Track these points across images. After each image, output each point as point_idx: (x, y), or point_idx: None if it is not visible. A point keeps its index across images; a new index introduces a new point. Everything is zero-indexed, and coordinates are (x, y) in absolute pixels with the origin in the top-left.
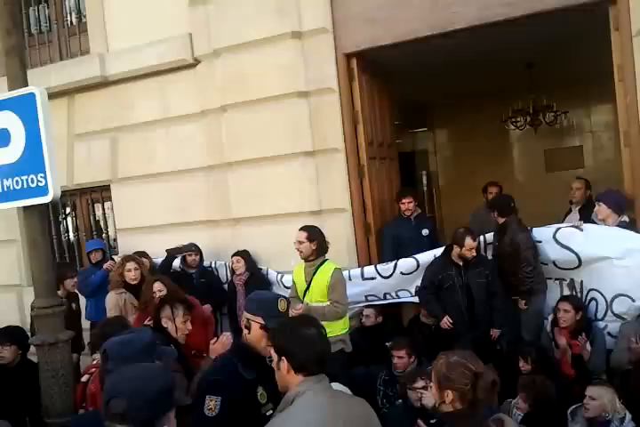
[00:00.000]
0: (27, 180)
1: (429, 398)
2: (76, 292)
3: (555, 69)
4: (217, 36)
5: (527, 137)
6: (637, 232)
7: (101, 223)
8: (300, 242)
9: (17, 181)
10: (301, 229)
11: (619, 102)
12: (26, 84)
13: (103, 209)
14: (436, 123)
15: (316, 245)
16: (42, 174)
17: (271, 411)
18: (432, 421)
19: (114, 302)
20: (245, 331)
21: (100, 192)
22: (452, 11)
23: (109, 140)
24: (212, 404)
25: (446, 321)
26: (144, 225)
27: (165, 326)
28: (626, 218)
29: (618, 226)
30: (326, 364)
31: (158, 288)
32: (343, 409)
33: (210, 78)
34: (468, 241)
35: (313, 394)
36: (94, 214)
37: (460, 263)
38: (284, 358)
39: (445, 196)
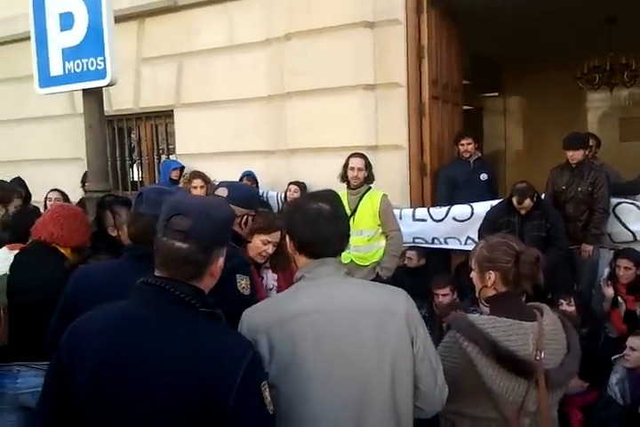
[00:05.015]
0: (87, 63)
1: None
2: None
3: (638, 27)
4: None
5: (602, 105)
6: None
7: (164, 148)
8: (360, 169)
9: (77, 64)
10: (355, 155)
11: None
12: None
13: (166, 134)
14: (507, 87)
15: (368, 172)
16: (101, 57)
17: None
18: None
19: None
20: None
21: (164, 117)
22: None
23: (175, 65)
24: (243, 282)
25: None
26: (203, 152)
27: None
28: None
29: None
30: (332, 244)
31: None
32: (336, 302)
33: (277, 5)
34: (519, 203)
35: (305, 282)
36: (157, 139)
37: (522, 212)
38: (287, 236)
39: (512, 163)
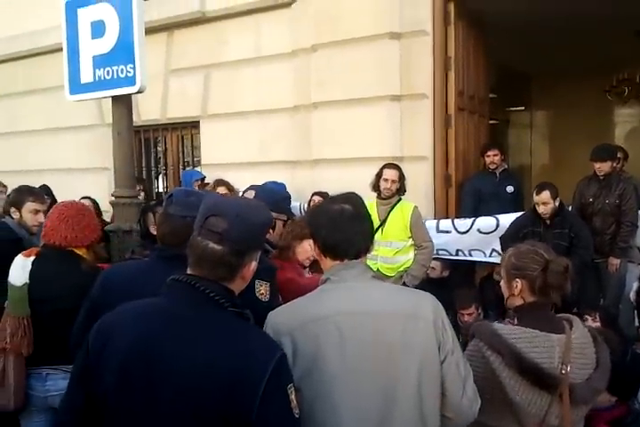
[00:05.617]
0: (117, 70)
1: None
2: None
3: None
4: None
5: (631, 119)
6: None
7: (189, 160)
8: (394, 181)
9: (108, 71)
10: (390, 167)
11: None
12: None
13: (192, 145)
14: (534, 99)
15: (400, 184)
16: (131, 65)
17: None
18: None
19: None
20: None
21: (190, 128)
22: None
23: (202, 76)
24: (262, 289)
25: None
26: (228, 162)
27: None
28: None
29: None
30: (356, 244)
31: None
32: (361, 305)
33: (304, 17)
34: (537, 195)
35: (330, 284)
36: (183, 150)
37: (548, 222)
38: (312, 239)
39: (538, 177)
